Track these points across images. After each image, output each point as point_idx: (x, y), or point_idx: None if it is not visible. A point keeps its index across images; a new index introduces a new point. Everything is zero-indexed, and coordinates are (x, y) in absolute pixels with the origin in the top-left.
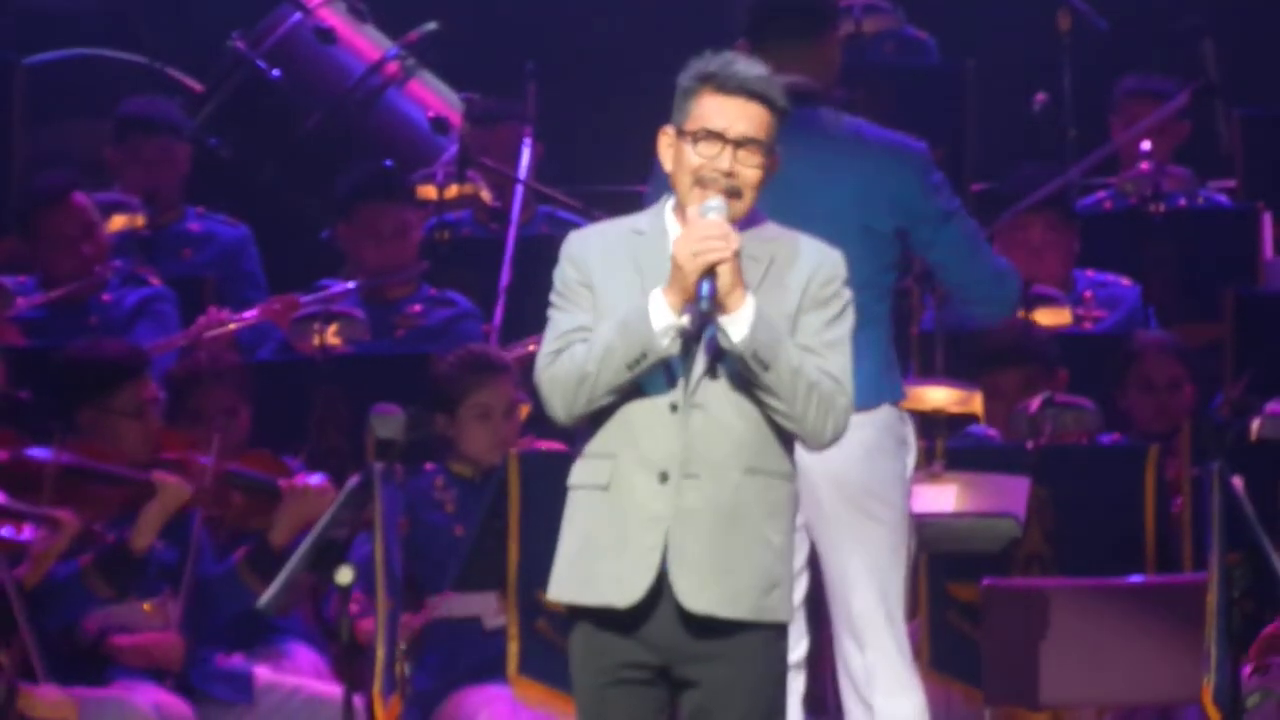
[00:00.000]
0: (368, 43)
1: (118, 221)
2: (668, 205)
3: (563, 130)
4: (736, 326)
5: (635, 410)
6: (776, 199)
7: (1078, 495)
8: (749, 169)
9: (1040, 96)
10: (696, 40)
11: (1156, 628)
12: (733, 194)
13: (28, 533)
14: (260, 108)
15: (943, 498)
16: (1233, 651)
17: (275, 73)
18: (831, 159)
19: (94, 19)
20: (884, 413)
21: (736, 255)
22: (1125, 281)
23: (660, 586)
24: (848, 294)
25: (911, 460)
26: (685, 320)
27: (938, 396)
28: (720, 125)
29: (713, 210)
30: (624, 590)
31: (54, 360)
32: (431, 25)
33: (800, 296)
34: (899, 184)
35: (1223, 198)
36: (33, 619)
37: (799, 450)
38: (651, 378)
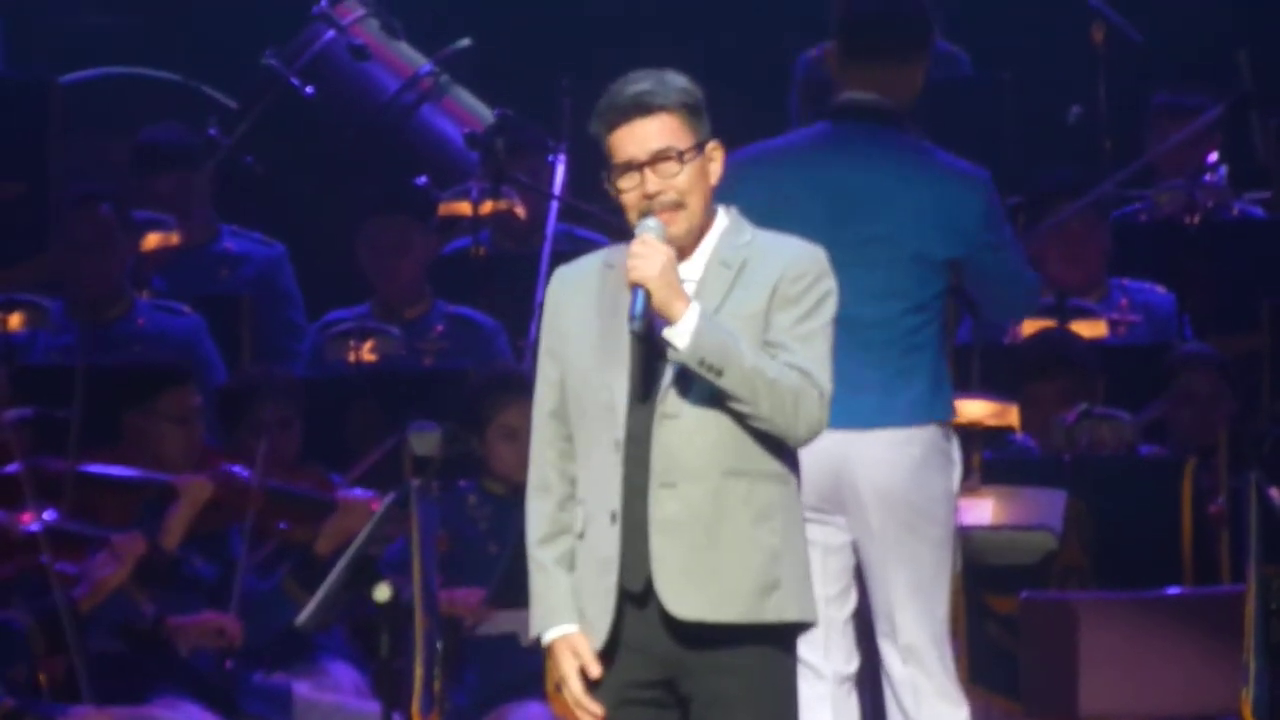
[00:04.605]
0: (401, 59)
1: (152, 240)
2: None
3: (598, 146)
4: (679, 336)
5: (592, 454)
6: (837, 212)
7: (1114, 507)
8: (673, 179)
9: (1075, 108)
10: (731, 55)
11: (1194, 640)
12: (675, 206)
13: (86, 560)
14: (294, 125)
15: (979, 511)
16: (1271, 663)
17: (309, 90)
18: (895, 181)
19: (129, 38)
20: (930, 430)
21: (665, 269)
22: (1161, 289)
23: (649, 598)
24: (824, 287)
25: (958, 477)
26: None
27: (974, 410)
28: (625, 156)
29: (648, 230)
30: (596, 635)
31: (100, 371)
32: (465, 41)
33: (770, 295)
34: (961, 213)
35: (1258, 209)
36: (82, 639)
37: (851, 469)
38: (601, 421)
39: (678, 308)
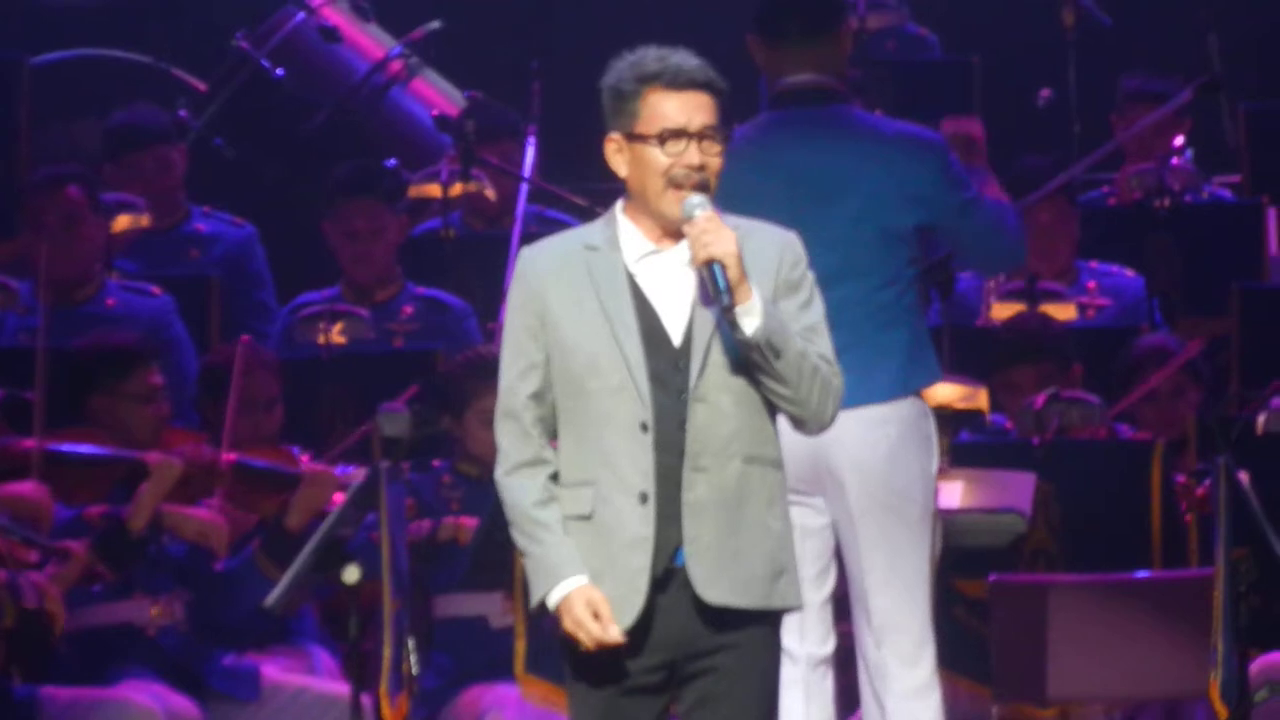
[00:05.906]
0: (371, 41)
1: (123, 222)
2: (618, 212)
3: (567, 129)
4: (750, 317)
5: (608, 434)
6: (795, 199)
7: (1084, 490)
8: (713, 158)
9: (1045, 92)
10: (700, 36)
11: (1163, 623)
12: (704, 186)
13: (33, 558)
14: (264, 107)
15: (949, 494)
16: (1239, 646)
17: (279, 72)
18: (849, 158)
19: (99, 19)
20: (909, 408)
21: (739, 247)
22: (1129, 273)
23: (670, 581)
24: (812, 274)
25: (936, 459)
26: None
27: (944, 393)
28: (681, 121)
29: (697, 207)
30: (620, 616)
31: (64, 354)
32: (435, 23)
33: (774, 282)
34: (919, 180)
35: (1227, 192)
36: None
37: (828, 449)
38: (614, 403)
39: (746, 287)
